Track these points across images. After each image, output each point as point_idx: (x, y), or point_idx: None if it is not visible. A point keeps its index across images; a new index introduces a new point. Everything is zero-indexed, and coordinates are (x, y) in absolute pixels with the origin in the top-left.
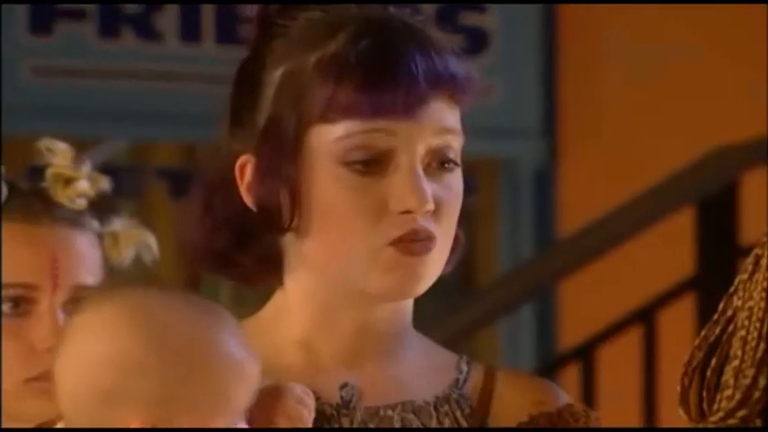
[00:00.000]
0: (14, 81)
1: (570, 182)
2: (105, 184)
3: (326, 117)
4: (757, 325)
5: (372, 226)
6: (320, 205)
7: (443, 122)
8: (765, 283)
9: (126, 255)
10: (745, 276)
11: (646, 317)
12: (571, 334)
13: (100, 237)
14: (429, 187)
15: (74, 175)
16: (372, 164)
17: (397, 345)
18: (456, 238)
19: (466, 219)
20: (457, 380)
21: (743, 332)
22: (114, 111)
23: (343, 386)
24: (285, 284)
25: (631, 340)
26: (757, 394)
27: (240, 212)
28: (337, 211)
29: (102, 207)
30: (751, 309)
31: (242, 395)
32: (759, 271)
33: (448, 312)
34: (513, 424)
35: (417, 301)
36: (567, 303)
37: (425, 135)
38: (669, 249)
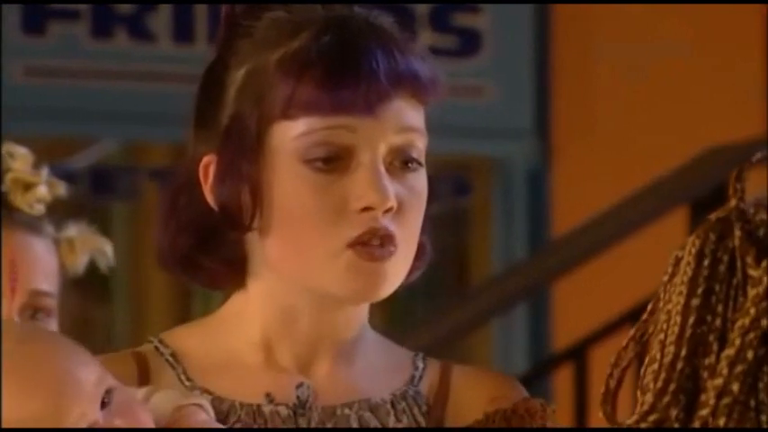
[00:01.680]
0: (7, 81)
1: (563, 182)
2: (62, 189)
3: (287, 114)
4: (675, 329)
5: (332, 225)
6: (281, 204)
7: (405, 121)
8: (683, 287)
9: (81, 261)
10: (665, 278)
11: (639, 317)
12: (564, 334)
13: (56, 243)
14: (391, 186)
15: (33, 181)
16: (333, 161)
17: (354, 344)
18: (421, 246)
19: (459, 219)
20: (413, 376)
21: (661, 335)
22: (107, 111)
23: (299, 386)
24: (247, 286)
25: (625, 340)
26: (667, 399)
27: (204, 214)
28: (297, 210)
29: (58, 212)
30: (669, 312)
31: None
32: (678, 273)
33: (441, 312)
34: (469, 420)
35: (410, 302)
36: (561, 303)
37: (387, 133)
38: (662, 250)
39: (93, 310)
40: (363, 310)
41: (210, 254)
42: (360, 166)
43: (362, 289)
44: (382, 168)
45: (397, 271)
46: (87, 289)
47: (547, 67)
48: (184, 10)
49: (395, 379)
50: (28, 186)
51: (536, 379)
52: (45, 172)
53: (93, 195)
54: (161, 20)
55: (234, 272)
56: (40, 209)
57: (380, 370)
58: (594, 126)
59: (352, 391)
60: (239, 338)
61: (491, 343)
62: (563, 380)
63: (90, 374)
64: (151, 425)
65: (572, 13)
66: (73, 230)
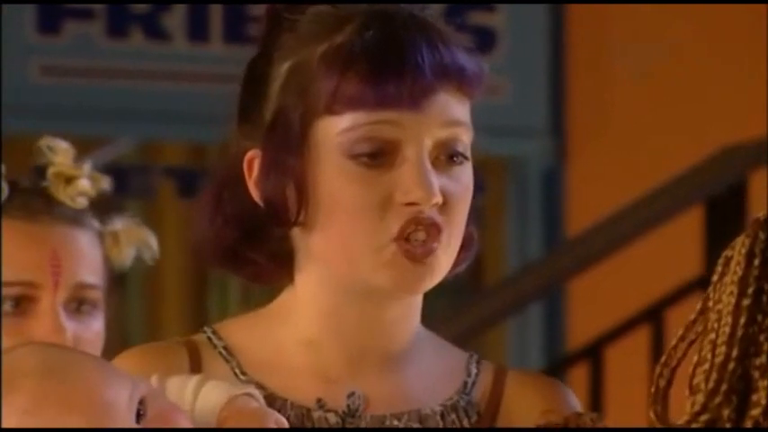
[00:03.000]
0: (23, 81)
1: (578, 181)
2: (106, 183)
3: (332, 109)
4: (726, 329)
5: (377, 220)
6: (326, 198)
7: (451, 115)
8: (734, 287)
9: (127, 254)
10: (715, 278)
11: (654, 316)
12: (579, 333)
13: (101, 236)
14: (437, 180)
15: (75, 174)
16: (379, 156)
17: (406, 346)
18: (469, 236)
19: (474, 217)
20: (465, 383)
21: (712, 335)
22: (122, 110)
23: (351, 395)
24: (295, 282)
25: (640, 339)
26: (719, 399)
27: (249, 208)
28: (343, 205)
29: (102, 206)
30: (720, 312)
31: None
32: (728, 273)
33: (456, 311)
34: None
35: (426, 300)
36: (576, 302)
37: (432, 127)
38: (677, 248)
39: (107, 304)
40: (414, 309)
41: (256, 248)
42: (405, 160)
43: (404, 281)
44: (428, 163)
45: (440, 264)
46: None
47: (562, 66)
48: (199, 9)
49: (447, 386)
50: (69, 180)
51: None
52: (88, 166)
53: (108, 194)
54: (176, 19)
55: (279, 267)
56: (82, 202)
57: (433, 376)
58: (609, 125)
59: (403, 400)
60: (289, 336)
61: (506, 342)
62: (578, 378)
63: (121, 391)
64: (188, 424)
65: (587, 13)
66: (118, 224)
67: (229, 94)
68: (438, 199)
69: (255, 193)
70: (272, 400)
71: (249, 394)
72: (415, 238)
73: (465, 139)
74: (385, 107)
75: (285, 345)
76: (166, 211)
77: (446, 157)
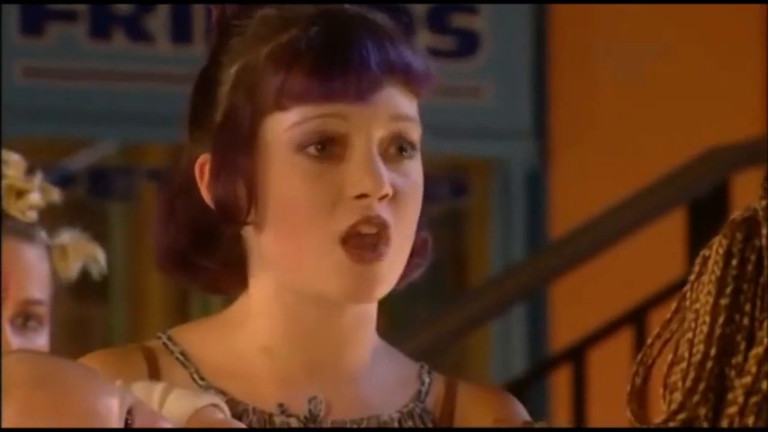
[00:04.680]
0: (6, 82)
1: (561, 183)
2: (56, 195)
3: (279, 104)
4: (704, 328)
5: (326, 215)
6: (275, 195)
7: (399, 109)
8: (712, 286)
9: (74, 267)
10: (692, 277)
11: (637, 318)
12: (563, 335)
13: (48, 249)
14: (387, 173)
15: (26, 188)
16: (327, 149)
17: (363, 353)
18: (423, 242)
19: (457, 220)
20: (419, 392)
21: (689, 334)
22: (106, 112)
23: (312, 399)
24: (249, 288)
25: (623, 341)
26: (697, 398)
27: (202, 214)
28: (292, 200)
29: (51, 218)
30: (697, 311)
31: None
32: (706, 273)
33: (439, 313)
34: None
35: (408, 301)
36: (559, 305)
37: (380, 120)
38: (660, 250)
39: (90, 311)
40: (369, 315)
41: (209, 254)
42: (354, 153)
43: (355, 289)
44: (377, 155)
45: (390, 268)
46: (85, 290)
47: (545, 67)
48: (182, 11)
49: (402, 393)
50: (20, 193)
51: (534, 380)
52: (38, 178)
53: (91, 196)
54: (159, 21)
55: (233, 273)
56: (32, 216)
57: (389, 383)
58: (592, 127)
59: (362, 406)
60: (246, 342)
61: (489, 344)
62: (561, 381)
63: (111, 401)
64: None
65: (570, 14)
66: (66, 237)
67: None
68: (388, 189)
69: (207, 196)
70: (233, 405)
71: (215, 404)
72: (366, 231)
73: (414, 134)
74: (332, 100)
75: (243, 350)
76: (149, 214)
77: (395, 149)
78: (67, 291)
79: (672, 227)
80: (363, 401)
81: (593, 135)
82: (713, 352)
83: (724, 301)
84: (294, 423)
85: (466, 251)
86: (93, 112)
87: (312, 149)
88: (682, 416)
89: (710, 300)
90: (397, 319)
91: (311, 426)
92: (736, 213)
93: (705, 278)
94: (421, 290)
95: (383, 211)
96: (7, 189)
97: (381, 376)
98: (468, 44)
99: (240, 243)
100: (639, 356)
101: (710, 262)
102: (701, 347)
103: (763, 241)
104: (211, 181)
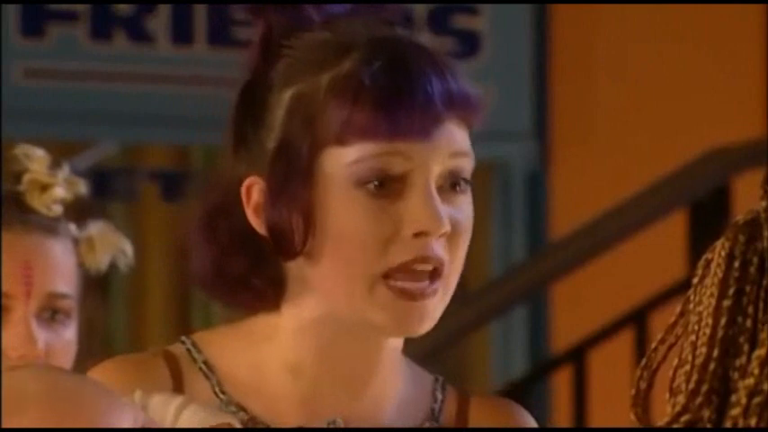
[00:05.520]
0: (6, 83)
1: (562, 184)
2: (83, 187)
3: (341, 139)
4: (706, 330)
5: (382, 251)
6: (332, 229)
7: (457, 144)
8: (714, 288)
9: (102, 260)
10: (695, 281)
11: (638, 319)
12: (563, 336)
13: (75, 242)
14: (444, 210)
15: (50, 182)
16: (386, 186)
17: (389, 376)
18: None
19: None
20: (432, 410)
21: (693, 337)
22: (106, 113)
23: (332, 422)
24: (282, 308)
25: (624, 343)
26: (700, 399)
27: (248, 236)
28: (350, 233)
29: (78, 211)
30: (700, 314)
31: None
32: (708, 276)
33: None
34: None
35: None
36: (560, 306)
37: (440, 157)
38: (661, 252)
39: (91, 311)
40: (401, 342)
41: (259, 274)
42: (413, 190)
43: (404, 323)
44: (435, 192)
45: (440, 304)
46: (84, 290)
47: (546, 68)
48: (183, 11)
49: (417, 411)
50: (45, 187)
51: (535, 381)
52: (64, 171)
53: (92, 197)
54: (160, 21)
55: (277, 293)
56: (57, 209)
57: (406, 402)
58: (593, 128)
59: (379, 426)
60: (271, 357)
61: (490, 345)
62: (562, 382)
63: (125, 418)
64: None
65: (571, 15)
66: (93, 229)
67: (213, 96)
68: (447, 228)
69: (255, 221)
70: (253, 424)
71: (228, 424)
72: (422, 269)
73: (468, 168)
74: (395, 138)
75: (266, 365)
76: (150, 215)
77: (450, 186)
78: (90, 290)
79: (672, 228)
80: (381, 422)
81: (594, 136)
82: (716, 354)
83: (726, 303)
84: None
85: (466, 252)
86: (93, 113)
87: (371, 186)
88: (685, 418)
89: (713, 302)
90: None
91: None
92: (739, 216)
93: (708, 281)
94: None
95: (438, 248)
96: (31, 183)
97: (399, 395)
98: (468, 45)
99: (283, 266)
100: (644, 361)
101: (713, 265)
102: (704, 349)
103: (765, 243)
104: (265, 209)
